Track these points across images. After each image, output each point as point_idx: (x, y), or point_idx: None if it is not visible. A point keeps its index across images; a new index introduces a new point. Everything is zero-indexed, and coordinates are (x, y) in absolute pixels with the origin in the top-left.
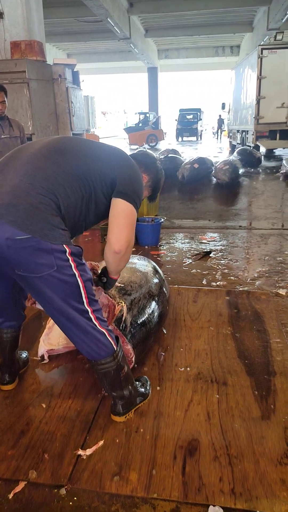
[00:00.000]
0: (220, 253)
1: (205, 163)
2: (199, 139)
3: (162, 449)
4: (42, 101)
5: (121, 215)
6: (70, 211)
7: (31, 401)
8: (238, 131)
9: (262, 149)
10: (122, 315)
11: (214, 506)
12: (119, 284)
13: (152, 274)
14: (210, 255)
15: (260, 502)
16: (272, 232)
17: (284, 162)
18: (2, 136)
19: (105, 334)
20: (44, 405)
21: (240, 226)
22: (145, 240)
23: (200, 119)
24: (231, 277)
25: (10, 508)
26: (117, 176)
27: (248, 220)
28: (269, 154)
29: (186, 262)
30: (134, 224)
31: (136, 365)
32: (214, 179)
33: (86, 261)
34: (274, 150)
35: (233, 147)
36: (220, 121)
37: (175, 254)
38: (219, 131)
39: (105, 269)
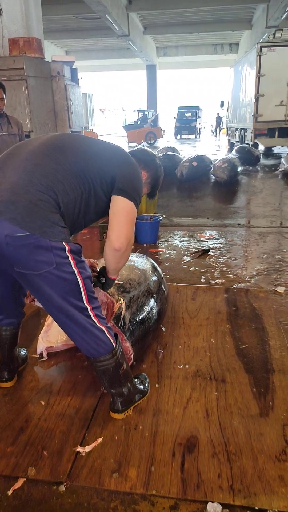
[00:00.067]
0: (219, 251)
1: (204, 161)
2: (197, 137)
3: (161, 446)
4: (41, 98)
5: (121, 212)
6: (69, 208)
7: (30, 398)
8: (236, 129)
9: (261, 147)
10: (121, 312)
11: (212, 502)
12: (118, 282)
13: (150, 272)
14: (209, 253)
15: (259, 498)
16: (271, 230)
17: (282, 160)
18: (1, 133)
19: (104, 331)
20: (43, 402)
21: (238, 224)
22: (144, 238)
23: (199, 117)
24: (230, 275)
25: (9, 505)
26: (117, 174)
27: (246, 218)
28: (268, 152)
29: (184, 260)
30: (134, 222)
31: (135, 363)
32: (213, 177)
33: (85, 258)
34: (272, 148)
35: (231, 145)
36: (218, 119)
37: (174, 252)
38: (217, 129)
39: (103, 269)
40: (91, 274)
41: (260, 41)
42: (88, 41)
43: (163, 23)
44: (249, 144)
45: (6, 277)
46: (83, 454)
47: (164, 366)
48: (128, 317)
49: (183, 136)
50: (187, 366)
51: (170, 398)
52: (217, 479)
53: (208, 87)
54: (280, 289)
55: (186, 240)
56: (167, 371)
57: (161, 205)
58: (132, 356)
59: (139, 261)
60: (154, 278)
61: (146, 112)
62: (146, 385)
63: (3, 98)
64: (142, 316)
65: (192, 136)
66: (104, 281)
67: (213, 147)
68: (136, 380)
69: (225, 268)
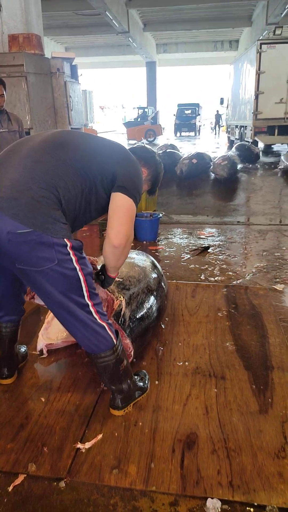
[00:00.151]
0: (218, 249)
1: (204, 159)
2: (197, 134)
3: (161, 443)
4: (40, 95)
5: (121, 209)
6: (70, 205)
7: (30, 395)
8: (236, 126)
9: (261, 145)
10: (121, 309)
11: (212, 498)
12: (118, 279)
13: (150, 269)
14: (208, 250)
15: (258, 494)
16: (270, 227)
17: (282, 157)
18: (1, 130)
19: (105, 328)
20: (43, 399)
21: (238, 221)
22: (144, 235)
23: (199, 114)
24: (229, 272)
25: (10, 501)
26: (117, 171)
27: (246, 215)
28: (267, 150)
29: (184, 257)
30: (134, 219)
31: (134, 360)
32: (212, 174)
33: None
34: (272, 146)
35: (231, 143)
36: (218, 117)
37: (174, 249)
38: (217, 126)
39: (103, 267)
40: (92, 271)
41: (260, 38)
42: (87, 38)
43: (163, 20)
44: (248, 142)
45: (7, 274)
46: (83, 451)
47: (163, 363)
48: (128, 314)
49: (183, 134)
50: (186, 363)
51: (170, 395)
52: (217, 475)
53: (208, 85)
54: (280, 287)
55: (186, 238)
56: (167, 368)
57: (160, 202)
58: (132, 353)
59: (139, 259)
60: (154, 275)
61: (146, 109)
62: (146, 382)
63: (3, 94)
64: (142, 313)
65: (192, 134)
66: (103, 278)
67: (213, 145)
68: (136, 377)
69: (224, 266)
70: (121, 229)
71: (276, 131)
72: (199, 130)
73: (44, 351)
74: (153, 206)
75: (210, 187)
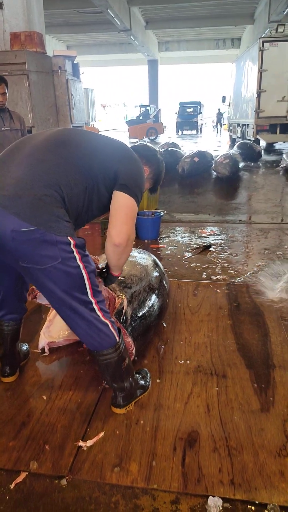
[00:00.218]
0: (220, 247)
1: (205, 157)
2: (199, 132)
3: (162, 441)
4: (42, 93)
5: (123, 208)
6: (73, 203)
7: (32, 393)
8: (238, 124)
9: (262, 143)
10: (123, 308)
11: (213, 497)
12: (120, 277)
13: (152, 268)
14: (210, 249)
15: (259, 493)
16: (272, 226)
17: (284, 156)
18: (3, 129)
19: (108, 325)
20: (44, 397)
21: (240, 220)
22: (145, 234)
23: (200, 113)
24: (231, 271)
25: (11, 498)
26: (119, 169)
27: (248, 214)
28: (269, 148)
29: (186, 256)
30: (135, 218)
31: (136, 358)
32: (214, 173)
33: None
34: (274, 144)
35: (233, 141)
36: (219, 115)
37: (175, 247)
38: (219, 125)
39: (107, 265)
40: (95, 268)
41: (262, 36)
42: (89, 36)
43: (165, 17)
44: (250, 140)
45: (10, 272)
46: (85, 449)
47: (165, 362)
48: (130, 313)
49: (185, 132)
50: (188, 361)
51: (171, 393)
52: (218, 473)
53: (210, 83)
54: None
55: (188, 236)
56: (168, 366)
57: (162, 201)
58: (133, 351)
59: (141, 257)
60: (156, 273)
61: (147, 108)
62: (148, 380)
63: (5, 92)
64: (143, 312)
65: (194, 132)
66: (106, 275)
67: (215, 143)
68: (137, 375)
69: (226, 264)
70: (122, 228)
71: (278, 129)
72: (201, 129)
73: (46, 349)
74: (155, 204)
75: (212, 186)
